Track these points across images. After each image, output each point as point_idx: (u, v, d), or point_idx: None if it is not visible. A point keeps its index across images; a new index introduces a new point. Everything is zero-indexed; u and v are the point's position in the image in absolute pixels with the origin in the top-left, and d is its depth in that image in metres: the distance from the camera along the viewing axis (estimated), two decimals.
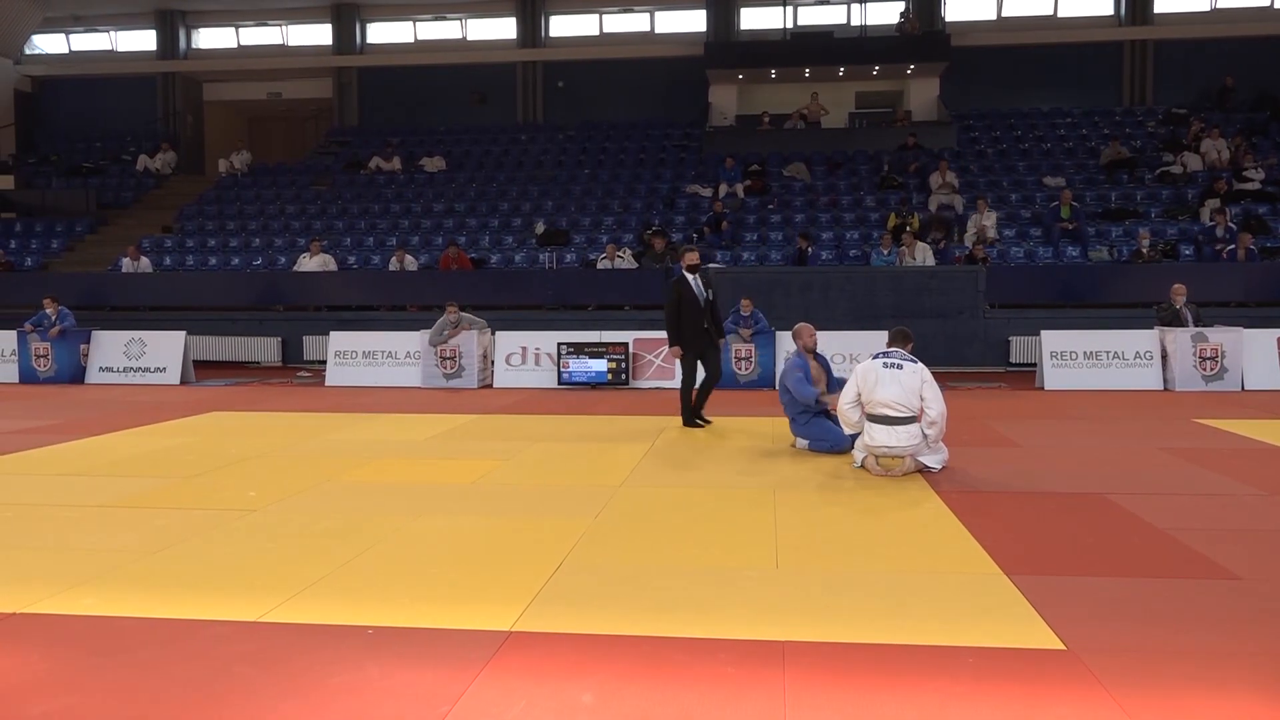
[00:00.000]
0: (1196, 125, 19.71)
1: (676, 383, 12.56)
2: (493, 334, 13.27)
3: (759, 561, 4.46)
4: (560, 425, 8.97)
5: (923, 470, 6.47)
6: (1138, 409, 10.07)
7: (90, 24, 26.00)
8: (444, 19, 25.18)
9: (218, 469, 6.86)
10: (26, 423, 9.37)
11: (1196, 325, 12.00)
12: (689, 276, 8.74)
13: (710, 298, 8.78)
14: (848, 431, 6.86)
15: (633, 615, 3.73)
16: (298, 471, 6.74)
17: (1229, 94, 21.48)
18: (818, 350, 7.97)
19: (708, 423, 8.95)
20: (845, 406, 6.62)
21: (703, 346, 8.81)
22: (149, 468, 6.94)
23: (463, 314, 13.05)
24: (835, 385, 7.82)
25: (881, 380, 6.41)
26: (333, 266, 16.88)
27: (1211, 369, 11.77)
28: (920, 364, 6.52)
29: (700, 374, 8.96)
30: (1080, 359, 12.24)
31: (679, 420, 9.41)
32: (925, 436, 6.39)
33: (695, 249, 9.10)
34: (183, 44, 25.87)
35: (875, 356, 6.63)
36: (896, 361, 6.49)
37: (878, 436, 6.38)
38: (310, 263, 16.65)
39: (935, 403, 6.36)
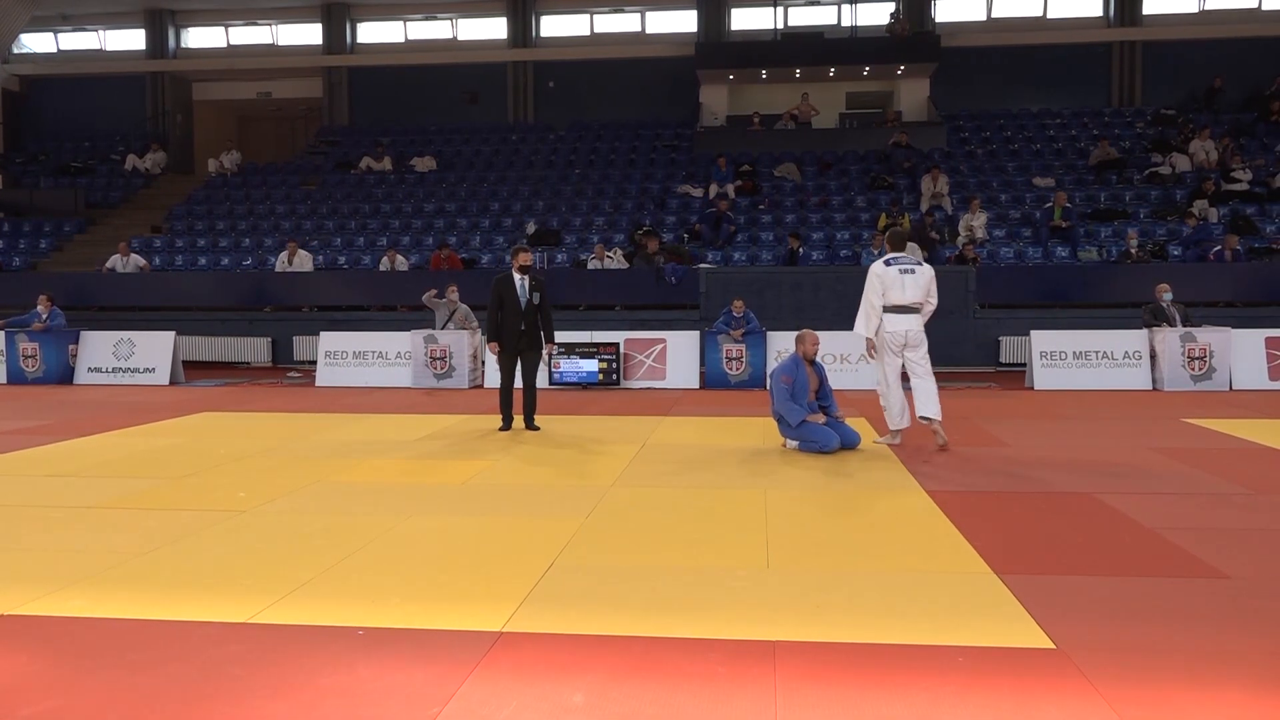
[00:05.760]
0: (1189, 129, 19.79)
1: (668, 383, 12.72)
2: (483, 334, 13.25)
3: (750, 561, 4.46)
4: (551, 425, 8.96)
5: (926, 420, 7.53)
6: (1127, 409, 10.12)
7: (79, 23, 25.89)
8: (434, 19, 25.15)
9: (207, 469, 6.83)
10: (14, 423, 9.32)
11: (1184, 324, 12.06)
12: (516, 277, 8.55)
13: (537, 301, 8.56)
14: (865, 331, 7.76)
15: (624, 615, 3.73)
16: (288, 472, 6.72)
17: (1217, 95, 21.60)
18: (816, 359, 7.83)
19: (536, 429, 8.70)
20: (874, 306, 7.68)
21: (520, 349, 8.63)
22: (138, 468, 6.91)
23: (460, 304, 13.11)
24: (827, 394, 7.76)
25: (903, 284, 7.61)
26: (309, 266, 16.79)
27: (1200, 369, 11.83)
28: (926, 265, 7.83)
29: (519, 380, 8.75)
30: (1070, 359, 12.29)
31: (671, 420, 9.42)
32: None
33: (528, 249, 8.81)
34: (172, 43, 25.78)
35: (887, 263, 7.69)
36: (909, 267, 7.68)
37: (897, 324, 7.60)
38: (289, 266, 16.59)
39: (935, 297, 7.75)
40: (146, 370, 13.57)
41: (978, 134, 21.59)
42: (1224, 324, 12.32)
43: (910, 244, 15.62)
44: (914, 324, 7.65)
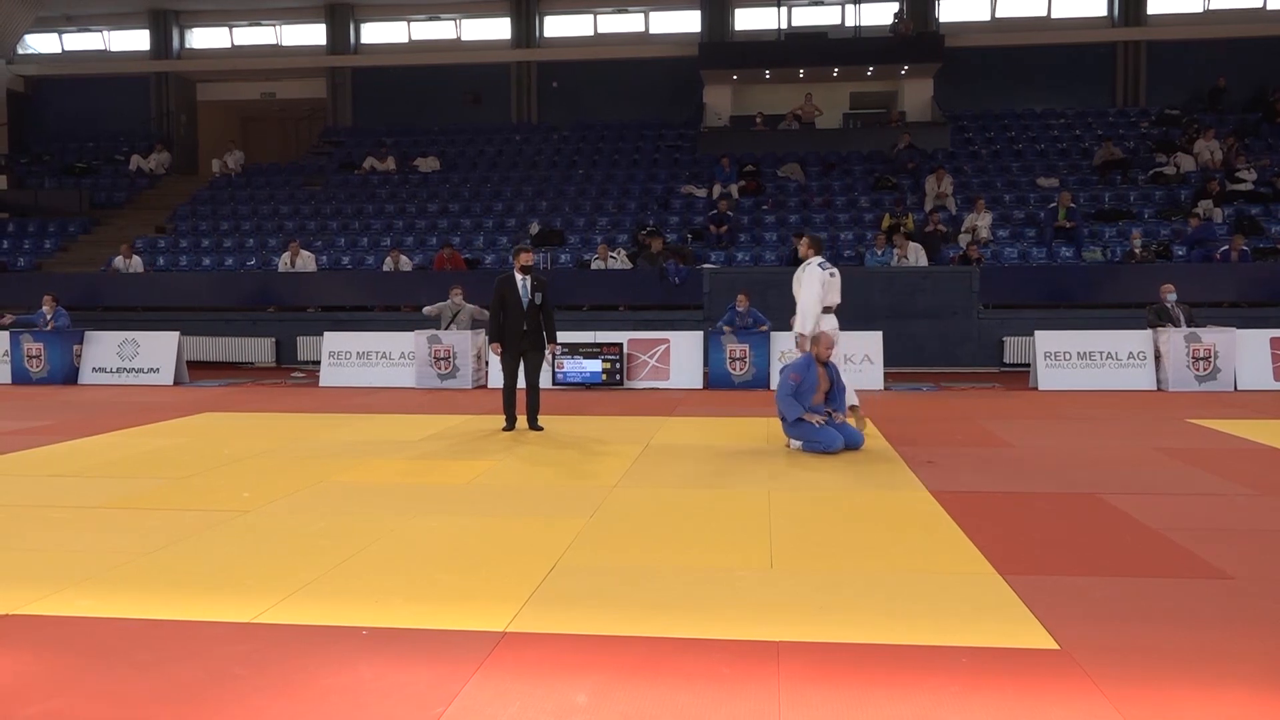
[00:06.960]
0: (1193, 129, 19.75)
1: (672, 383, 12.71)
2: (487, 333, 13.27)
3: (753, 561, 4.46)
4: (555, 426, 8.96)
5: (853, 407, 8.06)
6: (1131, 409, 10.10)
7: (83, 24, 25.94)
8: (438, 19, 25.17)
9: (211, 470, 6.84)
10: (19, 423, 9.34)
11: (1188, 325, 12.04)
12: (518, 277, 8.52)
13: (539, 301, 8.53)
14: (810, 330, 7.95)
15: (628, 615, 3.73)
16: (292, 472, 6.73)
17: (1221, 95, 21.56)
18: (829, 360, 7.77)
19: (539, 429, 8.66)
20: (819, 308, 8.01)
21: (522, 349, 8.60)
22: (142, 469, 6.93)
23: (467, 305, 13.11)
24: (840, 392, 7.74)
25: (833, 287, 8.16)
26: (312, 267, 16.82)
27: (1204, 369, 11.81)
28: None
29: (522, 380, 8.73)
30: (1074, 359, 12.26)
31: (675, 421, 9.43)
32: None
33: (529, 249, 8.74)
34: (176, 44, 25.82)
35: (822, 266, 8.14)
36: (834, 271, 8.25)
37: (832, 323, 8.10)
38: (292, 267, 16.59)
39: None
40: (151, 370, 13.58)
41: (982, 134, 21.57)
42: (1229, 324, 12.29)
43: (913, 244, 15.64)
44: (837, 323, 8.27)
